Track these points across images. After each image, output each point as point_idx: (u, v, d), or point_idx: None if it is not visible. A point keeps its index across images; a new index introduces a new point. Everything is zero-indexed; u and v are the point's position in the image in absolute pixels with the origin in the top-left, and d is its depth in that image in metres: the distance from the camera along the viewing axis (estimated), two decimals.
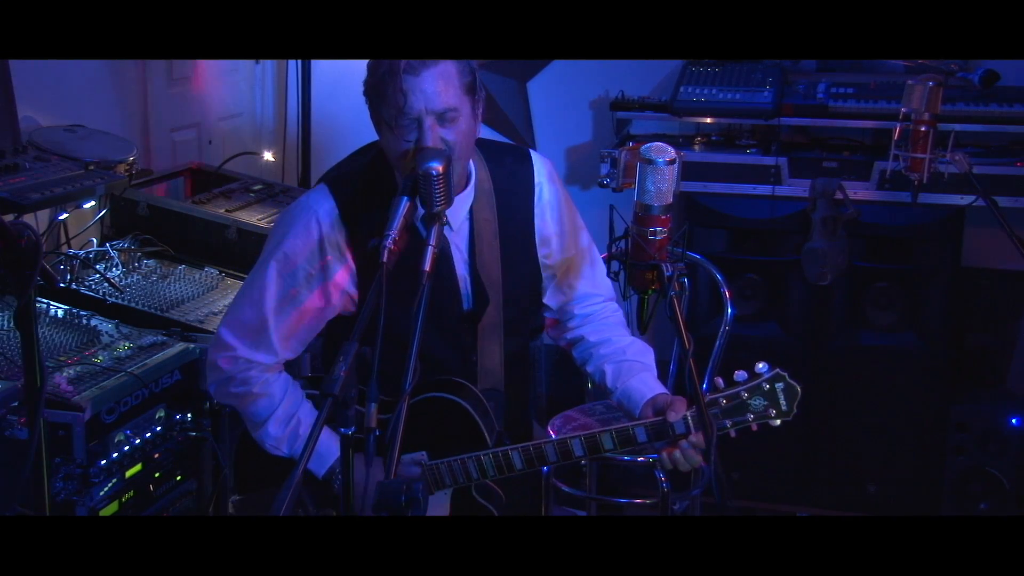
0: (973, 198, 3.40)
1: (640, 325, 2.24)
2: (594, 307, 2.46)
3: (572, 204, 2.42)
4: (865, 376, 3.76)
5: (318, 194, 2.24)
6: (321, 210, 2.21)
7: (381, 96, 2.07)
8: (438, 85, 2.05)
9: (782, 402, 2.16)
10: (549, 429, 3.17)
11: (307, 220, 2.21)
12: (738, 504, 3.84)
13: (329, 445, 2.18)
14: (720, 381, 2.17)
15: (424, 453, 2.23)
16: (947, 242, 3.69)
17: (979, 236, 3.84)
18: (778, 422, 2.18)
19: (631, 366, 2.35)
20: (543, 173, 2.36)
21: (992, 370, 4.04)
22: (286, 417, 2.25)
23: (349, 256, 2.22)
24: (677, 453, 2.17)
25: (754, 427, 2.19)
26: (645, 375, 2.33)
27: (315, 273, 2.21)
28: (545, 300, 2.44)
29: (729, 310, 3.32)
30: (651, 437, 2.18)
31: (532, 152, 2.39)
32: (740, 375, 2.17)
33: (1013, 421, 3.72)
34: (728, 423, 2.16)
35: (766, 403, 2.16)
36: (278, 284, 2.22)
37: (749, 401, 2.16)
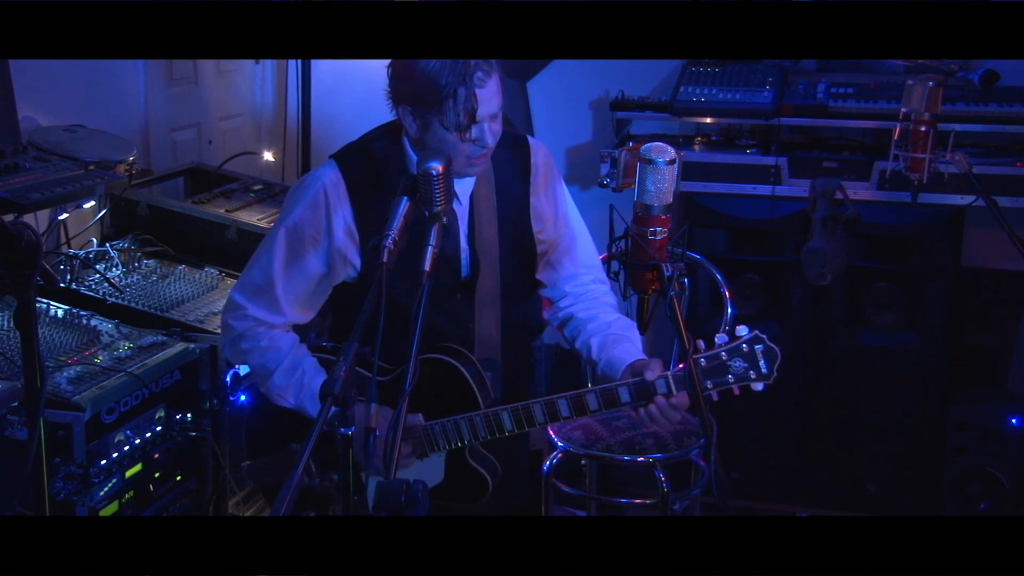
0: (973, 198, 3.40)
1: (640, 325, 2.26)
2: (584, 286, 2.54)
3: (564, 187, 2.55)
4: (865, 376, 3.76)
5: (326, 167, 2.38)
6: (328, 181, 2.34)
7: (446, 102, 2.17)
8: (496, 91, 2.21)
9: (762, 364, 2.18)
10: (549, 428, 3.17)
11: (315, 190, 2.34)
12: (738, 504, 3.83)
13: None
14: (701, 343, 2.20)
15: (420, 415, 2.29)
16: (947, 242, 3.69)
17: (979, 236, 3.83)
18: (760, 386, 2.20)
19: (615, 338, 2.43)
20: (539, 155, 2.48)
21: (992, 370, 4.03)
22: (292, 368, 2.35)
23: (353, 227, 2.33)
24: (653, 408, 2.22)
25: (736, 390, 2.21)
26: (627, 345, 2.41)
27: (320, 239, 2.33)
28: (538, 275, 2.53)
29: (729, 310, 3.32)
30: (634, 397, 2.24)
31: (529, 136, 2.52)
32: (720, 338, 2.20)
33: (1013, 421, 3.72)
34: (709, 384, 2.19)
35: (746, 365, 2.19)
36: (285, 248, 2.34)
37: (728, 363, 2.18)
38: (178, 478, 2.82)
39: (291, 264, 2.34)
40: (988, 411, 3.76)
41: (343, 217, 2.32)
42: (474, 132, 2.22)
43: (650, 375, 2.22)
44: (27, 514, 2.02)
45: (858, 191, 3.65)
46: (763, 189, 3.73)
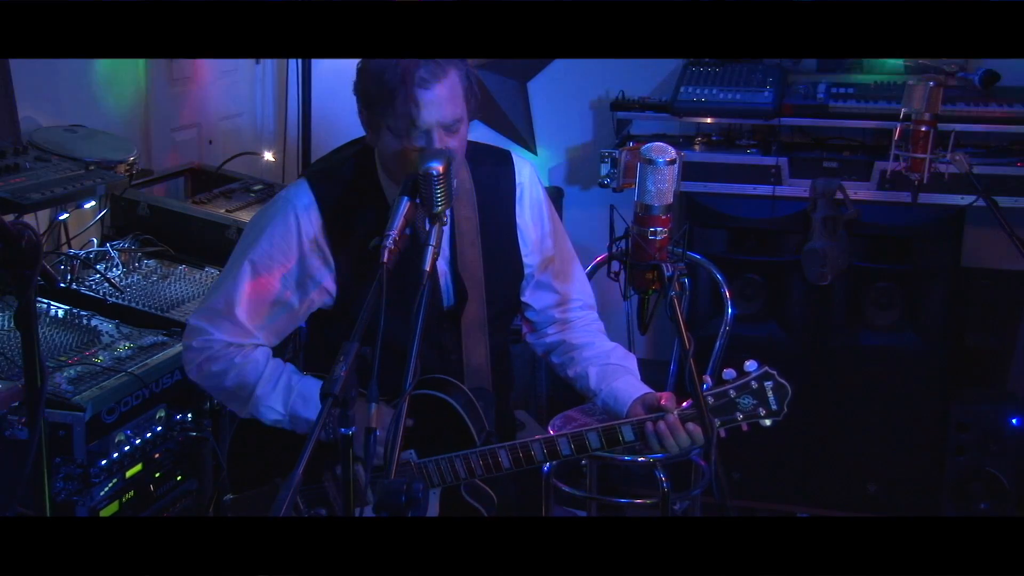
0: (973, 198, 3.41)
1: (641, 325, 2.24)
2: (574, 312, 2.46)
3: (552, 207, 2.43)
4: (865, 376, 3.76)
5: (298, 188, 2.25)
6: (300, 205, 2.22)
7: (388, 104, 2.07)
8: (447, 97, 2.07)
9: (771, 401, 2.14)
10: (550, 429, 3.17)
11: (286, 215, 2.22)
12: (738, 504, 3.84)
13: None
14: (708, 379, 2.15)
15: (412, 451, 2.23)
16: (947, 242, 3.69)
17: (979, 236, 3.84)
18: (768, 422, 2.15)
19: (615, 369, 2.35)
20: (524, 174, 2.37)
21: (992, 370, 4.03)
22: (274, 376, 2.22)
23: (328, 251, 2.22)
24: (662, 425, 2.14)
25: (744, 427, 2.16)
26: (630, 378, 2.34)
27: (292, 268, 2.22)
28: (524, 299, 2.43)
29: (729, 310, 3.32)
30: (638, 435, 2.18)
31: (513, 153, 2.40)
32: (728, 373, 2.15)
33: (1013, 421, 3.72)
34: (717, 422, 2.14)
35: (755, 402, 2.14)
36: (252, 279, 2.22)
37: (737, 400, 2.14)
38: (178, 478, 2.82)
39: (260, 296, 2.21)
40: (988, 411, 3.76)
41: (317, 244, 2.21)
42: (417, 141, 2.08)
43: (668, 403, 2.14)
44: (27, 514, 2.02)
45: (858, 191, 3.65)
46: (763, 189, 3.73)
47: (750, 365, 2.14)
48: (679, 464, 3.32)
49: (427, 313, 2.19)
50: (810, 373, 3.76)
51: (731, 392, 2.14)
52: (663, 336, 4.16)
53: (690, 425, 2.14)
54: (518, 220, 2.35)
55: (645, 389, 2.30)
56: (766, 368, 2.15)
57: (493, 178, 2.33)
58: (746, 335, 3.70)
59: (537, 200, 2.38)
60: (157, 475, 2.73)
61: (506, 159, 2.37)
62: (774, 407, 2.14)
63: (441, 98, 2.06)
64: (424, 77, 2.03)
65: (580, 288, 2.46)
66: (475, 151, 2.35)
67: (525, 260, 2.37)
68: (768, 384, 2.14)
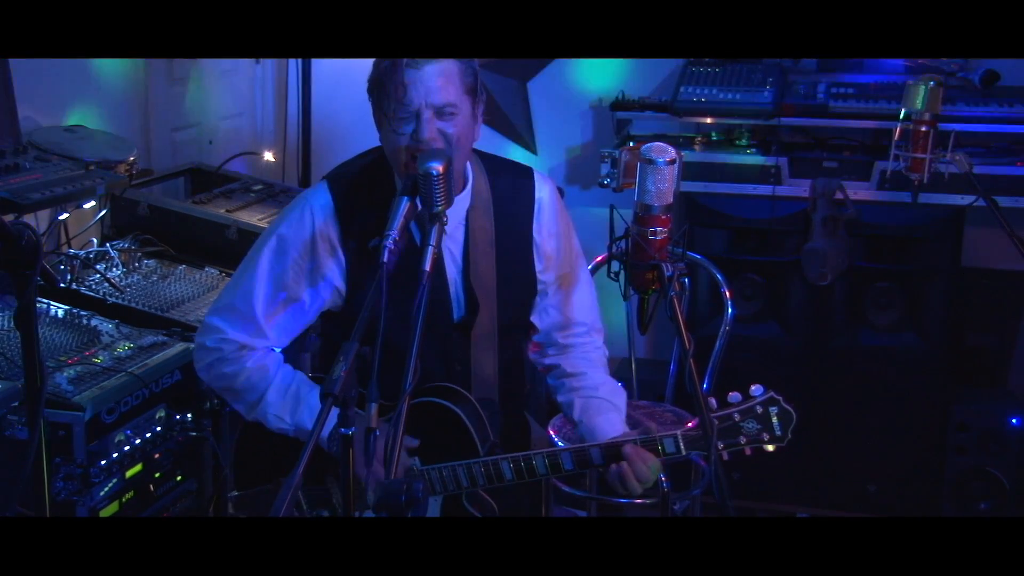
0: (973, 198, 3.40)
1: (640, 325, 2.24)
2: (577, 338, 2.45)
3: (571, 225, 2.43)
4: (865, 376, 3.76)
5: (316, 189, 2.29)
6: (316, 204, 2.25)
7: (382, 90, 2.11)
8: (439, 81, 2.08)
9: (775, 426, 2.15)
10: (550, 430, 3.17)
11: (302, 212, 2.25)
12: (738, 504, 3.83)
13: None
14: (713, 402, 2.14)
15: (416, 459, 2.23)
16: (947, 242, 3.69)
17: (979, 236, 3.84)
18: (771, 447, 2.16)
19: (600, 404, 2.34)
20: (544, 190, 2.37)
21: (992, 370, 4.04)
22: (284, 385, 2.24)
23: (340, 251, 2.25)
24: (624, 466, 2.15)
25: (747, 451, 2.17)
26: (612, 415, 2.33)
27: (305, 264, 2.24)
28: (532, 319, 2.43)
29: (729, 310, 3.32)
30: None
31: (535, 170, 2.40)
32: (734, 396, 2.15)
33: (1013, 421, 3.72)
34: (720, 444, 2.15)
35: (759, 427, 2.15)
36: (268, 273, 2.24)
37: (741, 424, 2.14)
38: (178, 478, 2.82)
39: (274, 290, 2.24)
40: (988, 411, 3.76)
41: (330, 243, 2.23)
42: (406, 125, 2.08)
43: (610, 476, 2.15)
44: (27, 514, 2.02)
45: (858, 191, 3.65)
46: (763, 189, 3.73)
47: (756, 390, 2.14)
48: (679, 464, 3.32)
49: (435, 322, 2.23)
50: (810, 373, 3.76)
51: (735, 416, 2.14)
52: (663, 336, 4.16)
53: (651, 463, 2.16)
54: (535, 235, 2.34)
55: (622, 430, 2.30)
56: (772, 393, 2.15)
57: (512, 190, 2.33)
58: (746, 335, 3.70)
59: (555, 219, 2.37)
60: (157, 475, 2.73)
61: (527, 174, 2.37)
62: (778, 433, 2.15)
63: (431, 79, 2.07)
64: (415, 59, 2.06)
65: (587, 314, 2.45)
66: (496, 163, 2.37)
67: (540, 277, 2.36)
68: (773, 410, 2.14)
